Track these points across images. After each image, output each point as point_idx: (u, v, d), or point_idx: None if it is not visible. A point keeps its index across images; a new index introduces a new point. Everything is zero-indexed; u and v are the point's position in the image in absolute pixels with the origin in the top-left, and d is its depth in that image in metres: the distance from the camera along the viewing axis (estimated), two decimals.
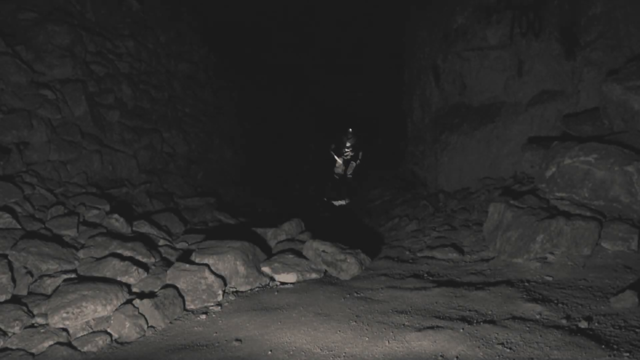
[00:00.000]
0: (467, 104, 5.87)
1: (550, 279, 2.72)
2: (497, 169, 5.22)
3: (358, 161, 10.33)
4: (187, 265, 2.98)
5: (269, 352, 2.19)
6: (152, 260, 3.28)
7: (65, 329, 2.45)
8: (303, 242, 3.71)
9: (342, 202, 9.65)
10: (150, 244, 3.53)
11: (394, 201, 6.60)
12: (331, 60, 12.45)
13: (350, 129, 10.24)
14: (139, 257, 3.21)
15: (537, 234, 2.99)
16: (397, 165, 9.94)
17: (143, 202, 4.69)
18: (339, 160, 10.51)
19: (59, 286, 2.70)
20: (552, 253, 2.97)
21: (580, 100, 4.48)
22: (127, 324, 2.47)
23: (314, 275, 3.29)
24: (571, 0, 4.62)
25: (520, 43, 5.06)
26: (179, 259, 3.37)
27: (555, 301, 2.42)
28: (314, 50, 11.37)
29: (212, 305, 2.84)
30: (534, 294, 2.54)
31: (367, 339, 2.25)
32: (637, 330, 2.02)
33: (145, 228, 3.88)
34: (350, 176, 10.50)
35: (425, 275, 3.21)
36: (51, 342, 2.35)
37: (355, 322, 2.45)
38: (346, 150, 10.43)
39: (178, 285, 2.84)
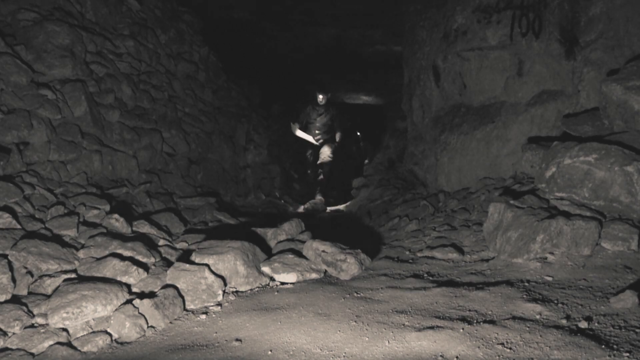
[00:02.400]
0: (467, 104, 5.87)
1: (550, 279, 2.72)
2: (497, 169, 5.22)
3: (336, 144, 7.13)
4: (187, 265, 2.98)
5: (269, 352, 2.19)
6: (152, 260, 3.28)
7: (65, 329, 2.45)
8: (303, 242, 3.71)
9: (314, 202, 7.20)
10: (150, 244, 3.53)
11: (394, 201, 6.59)
12: (331, 59, 12.43)
13: (321, 95, 6.73)
14: (139, 257, 3.21)
15: (537, 234, 2.99)
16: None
17: (143, 202, 4.69)
18: (311, 139, 6.85)
19: (59, 286, 2.70)
20: (552, 253, 2.97)
21: (580, 100, 4.48)
22: (127, 324, 2.47)
23: (314, 275, 3.29)
24: (571, 0, 4.62)
25: (520, 43, 5.06)
26: (179, 259, 3.37)
27: (555, 301, 2.42)
28: (313, 49, 11.34)
29: (212, 305, 2.84)
30: (534, 294, 2.54)
31: (367, 338, 2.25)
32: (637, 330, 2.02)
33: (145, 228, 3.89)
34: (326, 168, 7.25)
35: (425, 275, 3.21)
36: (51, 342, 2.35)
37: (355, 322, 2.45)
38: (317, 131, 7.07)
39: (178, 285, 2.85)
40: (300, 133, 7.36)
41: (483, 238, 3.63)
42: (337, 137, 7.32)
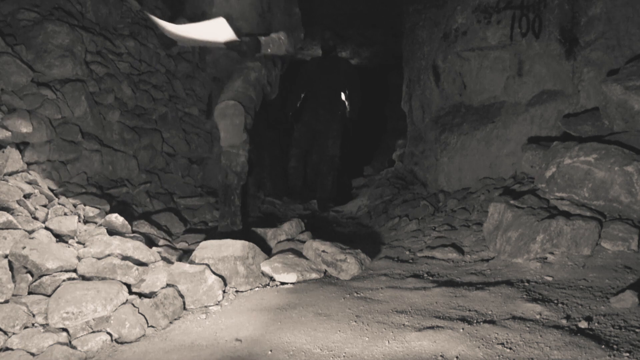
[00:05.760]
0: (467, 104, 5.87)
1: (550, 279, 2.73)
2: (497, 169, 5.22)
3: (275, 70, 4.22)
4: (187, 265, 2.98)
5: (269, 352, 2.19)
6: (152, 260, 3.28)
7: (65, 329, 2.45)
8: (303, 242, 3.71)
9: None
10: (150, 244, 3.53)
11: (393, 201, 6.59)
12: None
13: None
14: (139, 257, 3.20)
15: (537, 234, 2.99)
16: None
17: (143, 202, 4.69)
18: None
19: (59, 286, 2.70)
20: (552, 253, 2.97)
21: (580, 100, 4.48)
22: (127, 324, 2.47)
23: (314, 275, 3.29)
24: (571, 0, 4.62)
25: (520, 43, 5.06)
26: (179, 259, 3.37)
27: (555, 301, 2.42)
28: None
29: (212, 305, 2.84)
30: (534, 294, 2.54)
31: (367, 339, 2.25)
32: (637, 330, 2.02)
33: (145, 228, 3.89)
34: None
35: (425, 275, 3.21)
36: (51, 342, 2.35)
37: (355, 322, 2.45)
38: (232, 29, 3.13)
39: (178, 285, 2.85)
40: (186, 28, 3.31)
41: (483, 238, 3.63)
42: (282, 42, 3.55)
